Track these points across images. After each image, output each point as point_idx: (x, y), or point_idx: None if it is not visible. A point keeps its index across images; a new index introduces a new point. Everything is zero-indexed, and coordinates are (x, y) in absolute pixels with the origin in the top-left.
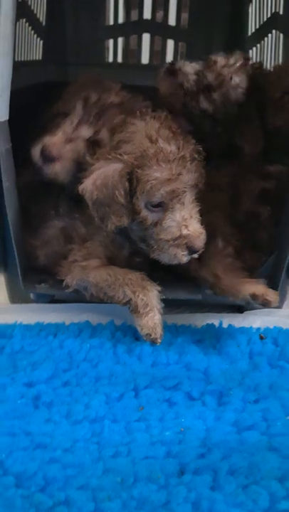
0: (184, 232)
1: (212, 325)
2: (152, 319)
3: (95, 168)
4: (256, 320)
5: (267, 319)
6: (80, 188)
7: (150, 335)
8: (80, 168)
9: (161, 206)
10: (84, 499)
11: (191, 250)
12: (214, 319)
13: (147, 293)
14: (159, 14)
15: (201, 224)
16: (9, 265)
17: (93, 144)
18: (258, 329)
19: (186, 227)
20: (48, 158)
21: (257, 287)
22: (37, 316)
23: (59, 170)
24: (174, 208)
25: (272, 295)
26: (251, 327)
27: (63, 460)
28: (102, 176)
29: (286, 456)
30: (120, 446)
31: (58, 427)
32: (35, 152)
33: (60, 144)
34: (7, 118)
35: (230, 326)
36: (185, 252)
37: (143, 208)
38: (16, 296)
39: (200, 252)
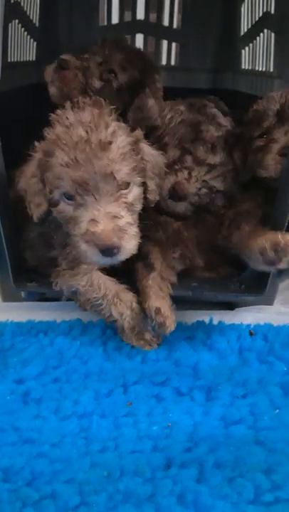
0: (92, 227)
1: (202, 322)
2: (140, 342)
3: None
4: (247, 316)
5: (258, 316)
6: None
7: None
8: None
9: (74, 199)
10: (70, 493)
11: (103, 250)
12: (205, 316)
13: (135, 316)
14: (153, 15)
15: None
16: (1, 265)
17: None
18: (248, 326)
19: (96, 222)
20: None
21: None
22: (28, 314)
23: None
24: (86, 201)
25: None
26: (241, 323)
27: (51, 455)
28: (24, 168)
29: (272, 450)
30: (108, 441)
31: (46, 423)
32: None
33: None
34: None
35: (220, 322)
36: (95, 251)
37: (60, 199)
38: (8, 295)
39: (124, 256)
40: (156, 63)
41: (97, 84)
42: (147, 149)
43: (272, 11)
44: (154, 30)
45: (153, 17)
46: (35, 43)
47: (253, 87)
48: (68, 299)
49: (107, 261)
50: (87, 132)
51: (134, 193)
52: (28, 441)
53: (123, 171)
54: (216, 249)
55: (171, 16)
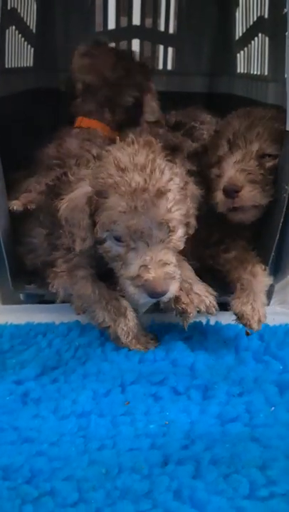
0: (144, 274)
1: (199, 322)
2: (137, 346)
3: (72, 189)
4: None
5: None
6: (58, 206)
7: None
8: None
9: (123, 241)
10: (69, 490)
11: (151, 295)
12: (202, 317)
13: (128, 323)
14: (148, 20)
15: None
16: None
17: None
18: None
19: (148, 269)
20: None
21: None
22: (27, 317)
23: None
24: (138, 246)
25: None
26: (237, 324)
27: (50, 453)
28: (72, 198)
29: (267, 446)
30: (106, 439)
31: (45, 422)
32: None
33: None
34: None
35: (217, 323)
36: (144, 295)
37: (107, 238)
38: (7, 298)
39: (168, 297)
40: (153, 68)
41: None
42: (192, 189)
43: (266, 16)
44: (150, 35)
45: (149, 22)
46: (32, 49)
47: (248, 91)
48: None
49: (151, 301)
50: (145, 180)
51: (179, 234)
52: (27, 440)
53: (176, 218)
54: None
55: (166, 21)
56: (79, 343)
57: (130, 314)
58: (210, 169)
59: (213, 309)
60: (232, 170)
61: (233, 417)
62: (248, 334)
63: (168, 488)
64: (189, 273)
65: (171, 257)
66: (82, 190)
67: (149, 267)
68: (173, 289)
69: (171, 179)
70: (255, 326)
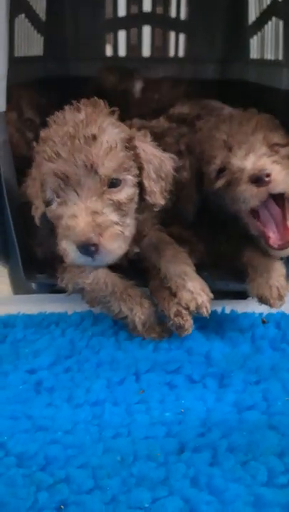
0: (68, 222)
1: (215, 311)
2: (151, 335)
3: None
4: (259, 306)
5: None
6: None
7: None
8: None
9: (58, 196)
10: (84, 477)
11: (81, 247)
12: (217, 306)
13: (145, 311)
14: (159, 6)
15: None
16: (11, 258)
17: None
18: (261, 314)
19: (75, 218)
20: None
21: None
22: (39, 306)
23: None
24: (68, 197)
25: None
26: (254, 312)
27: (64, 441)
28: (30, 174)
29: (285, 434)
30: (120, 427)
31: (59, 411)
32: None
33: None
34: (4, 109)
35: (232, 311)
36: (73, 248)
37: (50, 197)
38: (19, 288)
39: (108, 257)
40: (165, 54)
41: None
42: (147, 148)
43: None
44: (161, 21)
45: (160, 8)
46: (42, 38)
47: (261, 77)
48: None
49: (87, 261)
50: (74, 128)
51: (126, 192)
52: (41, 428)
53: (108, 166)
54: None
55: (178, 7)
56: (92, 332)
57: (146, 302)
58: (210, 184)
59: (204, 310)
60: (250, 159)
61: (250, 405)
62: (264, 322)
63: (184, 475)
64: (185, 267)
65: (108, 210)
66: (36, 163)
67: (76, 215)
68: (109, 246)
69: (102, 126)
70: (276, 304)
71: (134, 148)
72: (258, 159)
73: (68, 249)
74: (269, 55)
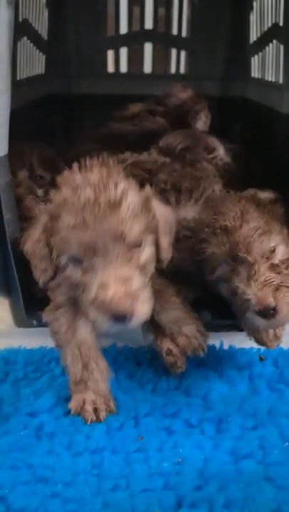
0: (102, 295)
1: (213, 346)
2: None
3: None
4: None
5: None
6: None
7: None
8: None
9: (81, 262)
10: None
11: (114, 317)
12: (215, 339)
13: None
14: (161, 24)
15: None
16: (13, 291)
17: None
18: (259, 350)
19: (106, 288)
20: None
21: None
22: (40, 340)
23: None
24: (95, 265)
25: None
26: (252, 347)
27: (64, 494)
28: (31, 231)
29: (281, 487)
30: (119, 478)
31: (59, 459)
32: None
33: None
34: (6, 152)
35: (230, 347)
36: (106, 318)
37: (68, 264)
38: (21, 321)
39: (137, 321)
40: (166, 71)
41: None
42: (159, 207)
43: (281, 23)
44: (162, 39)
45: (161, 26)
46: (44, 56)
47: (263, 97)
48: None
49: (119, 328)
50: (95, 193)
51: (146, 253)
52: (41, 479)
53: (134, 232)
54: None
55: (179, 24)
56: None
57: (103, 386)
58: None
59: (201, 352)
60: (253, 289)
61: (247, 454)
62: (261, 359)
63: None
64: (178, 313)
65: (136, 275)
66: (39, 221)
67: (108, 285)
68: (141, 311)
69: (124, 190)
70: (272, 346)
71: (151, 208)
72: (260, 289)
73: (99, 320)
74: (270, 77)
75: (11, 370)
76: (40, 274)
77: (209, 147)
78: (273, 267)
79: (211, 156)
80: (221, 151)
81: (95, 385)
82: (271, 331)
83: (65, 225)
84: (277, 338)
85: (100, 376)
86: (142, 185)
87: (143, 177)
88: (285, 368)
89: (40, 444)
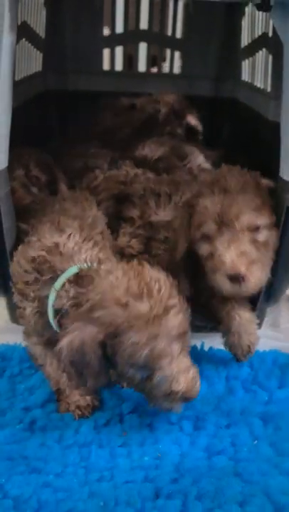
0: (176, 387)
1: (194, 347)
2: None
3: (70, 330)
4: None
5: None
6: (57, 347)
7: None
8: None
9: (147, 367)
10: None
11: (185, 401)
12: (196, 340)
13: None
14: (156, 24)
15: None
16: (9, 289)
17: None
18: None
19: (178, 381)
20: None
21: None
22: None
23: None
24: (162, 365)
25: None
26: None
27: (55, 484)
28: (76, 341)
29: (248, 481)
30: (104, 470)
31: (50, 452)
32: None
33: None
34: (6, 165)
35: (210, 348)
36: (180, 404)
37: (128, 369)
38: (17, 317)
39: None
40: (160, 70)
41: None
42: None
43: (270, 34)
44: (157, 39)
45: (156, 26)
46: (41, 54)
47: (251, 101)
48: None
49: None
50: (150, 307)
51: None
52: (34, 470)
53: (187, 325)
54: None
55: (174, 25)
56: None
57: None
58: (194, 244)
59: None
60: (231, 253)
61: (219, 450)
62: (238, 360)
63: None
64: None
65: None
66: (87, 333)
67: (179, 379)
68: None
69: (171, 294)
70: (245, 359)
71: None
72: (237, 256)
73: (175, 407)
74: (259, 83)
75: (8, 366)
76: (92, 380)
77: (182, 155)
78: (254, 242)
79: (183, 163)
80: (199, 159)
81: (74, 392)
82: (246, 348)
83: (134, 343)
84: (249, 353)
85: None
86: (119, 197)
87: (119, 189)
88: (259, 371)
89: (34, 437)
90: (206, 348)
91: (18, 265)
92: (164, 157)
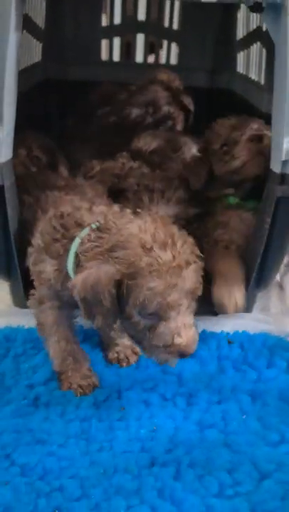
0: (177, 340)
1: None
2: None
3: (87, 266)
4: (227, 323)
5: (237, 322)
6: (71, 283)
7: None
8: None
9: (156, 314)
10: (74, 487)
11: (182, 356)
12: None
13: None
14: (154, 16)
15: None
16: (13, 275)
17: None
18: (228, 333)
19: (180, 334)
20: None
21: None
22: None
23: None
24: (170, 316)
25: None
26: (222, 331)
27: (58, 454)
28: (92, 277)
29: (236, 452)
30: (104, 442)
31: (54, 425)
32: None
33: None
34: (11, 157)
35: (203, 330)
36: (176, 358)
37: (136, 314)
38: (19, 302)
39: None
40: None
41: None
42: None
43: (264, 28)
44: (154, 30)
45: (154, 18)
46: (41, 44)
47: (246, 92)
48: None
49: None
50: (173, 256)
51: None
52: (39, 441)
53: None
54: None
55: (171, 17)
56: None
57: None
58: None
59: None
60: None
61: (211, 424)
62: (229, 342)
63: (153, 487)
64: None
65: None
66: (103, 271)
67: (181, 333)
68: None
69: (192, 250)
70: (230, 309)
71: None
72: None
73: (170, 360)
74: (253, 75)
75: (12, 346)
76: (101, 320)
77: (176, 147)
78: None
79: (176, 154)
80: (193, 149)
81: (76, 373)
82: (233, 300)
83: (151, 287)
84: (237, 306)
85: (79, 365)
86: (112, 191)
87: (113, 182)
88: (249, 351)
89: (38, 412)
90: (199, 331)
91: (47, 222)
92: (159, 149)
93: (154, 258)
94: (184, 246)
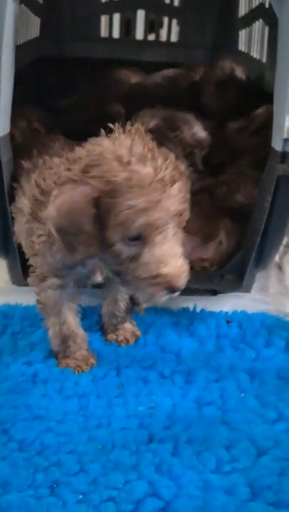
0: (164, 270)
1: (187, 309)
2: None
3: (59, 192)
4: (226, 303)
5: (236, 302)
6: (44, 214)
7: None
8: None
9: (139, 239)
10: (72, 462)
11: (171, 290)
12: (189, 303)
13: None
14: None
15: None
16: (10, 252)
17: None
18: (227, 313)
19: (167, 264)
20: None
21: None
22: (35, 298)
23: None
24: (154, 241)
25: None
26: (221, 311)
27: (56, 429)
28: (66, 202)
29: (234, 429)
30: (102, 418)
31: (52, 401)
32: None
33: None
34: (8, 131)
35: (202, 310)
36: (164, 292)
37: (118, 240)
38: (17, 279)
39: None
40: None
41: None
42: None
43: (267, 5)
44: (155, 6)
45: None
46: (39, 19)
47: (248, 70)
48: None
49: (167, 297)
50: (155, 171)
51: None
52: (37, 417)
53: (187, 206)
54: None
55: None
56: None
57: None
58: None
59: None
60: None
61: (209, 401)
62: (228, 322)
63: (151, 462)
64: None
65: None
66: (78, 192)
67: (168, 262)
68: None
69: (177, 168)
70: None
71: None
72: None
73: (158, 294)
74: (255, 53)
75: (9, 324)
76: (84, 250)
77: (175, 125)
78: None
79: (174, 134)
80: (195, 128)
81: (74, 355)
82: None
83: (132, 205)
84: None
85: (78, 347)
86: None
87: None
88: (247, 331)
89: (36, 388)
90: (198, 310)
91: (33, 188)
92: (156, 129)
93: (132, 173)
94: (167, 162)
